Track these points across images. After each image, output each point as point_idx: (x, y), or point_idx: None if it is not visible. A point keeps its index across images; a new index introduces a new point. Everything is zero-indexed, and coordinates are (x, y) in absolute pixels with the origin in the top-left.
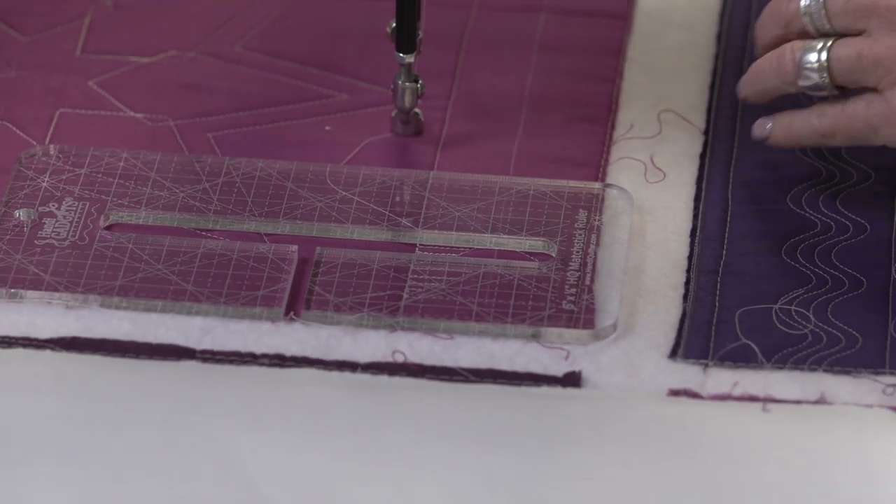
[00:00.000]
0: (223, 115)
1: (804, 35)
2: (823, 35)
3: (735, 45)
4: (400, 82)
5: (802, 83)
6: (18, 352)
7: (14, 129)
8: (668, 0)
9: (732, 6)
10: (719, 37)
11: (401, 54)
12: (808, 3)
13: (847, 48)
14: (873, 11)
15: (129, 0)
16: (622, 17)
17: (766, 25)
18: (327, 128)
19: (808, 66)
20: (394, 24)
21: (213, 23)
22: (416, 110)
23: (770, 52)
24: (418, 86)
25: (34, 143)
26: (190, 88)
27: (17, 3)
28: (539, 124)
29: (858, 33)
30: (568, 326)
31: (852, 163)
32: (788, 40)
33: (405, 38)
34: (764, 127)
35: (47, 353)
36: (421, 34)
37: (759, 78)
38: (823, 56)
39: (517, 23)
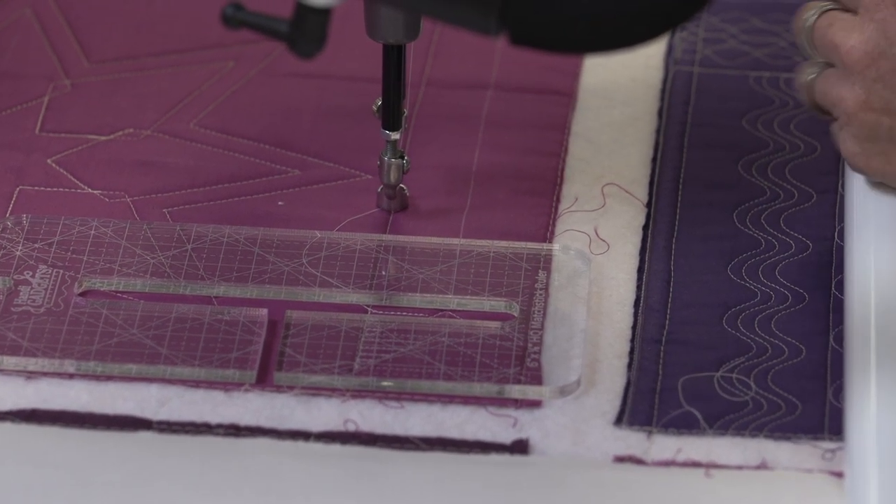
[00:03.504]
0: (178, 191)
1: None
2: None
3: (676, 120)
4: (386, 158)
5: None
6: None
7: None
8: (610, 77)
9: (673, 83)
10: (661, 112)
11: (387, 131)
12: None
13: None
14: None
15: (86, 80)
16: (567, 94)
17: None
18: (280, 203)
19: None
20: (380, 102)
21: (168, 102)
22: (402, 185)
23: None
24: (404, 161)
25: None
26: (146, 165)
27: None
28: (486, 198)
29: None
30: (532, 384)
31: (790, 234)
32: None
33: (392, 116)
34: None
35: (7, 424)
36: (406, 111)
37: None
38: None
39: (464, 100)
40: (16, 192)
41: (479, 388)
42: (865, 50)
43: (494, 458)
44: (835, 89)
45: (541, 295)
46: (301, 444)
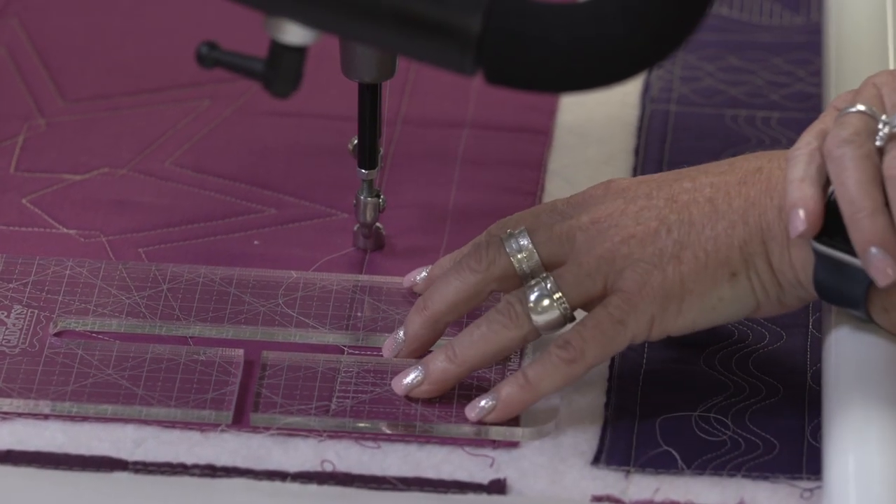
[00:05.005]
0: (154, 230)
1: (505, 283)
2: (530, 275)
3: (653, 158)
4: (362, 197)
5: (541, 320)
6: None
7: None
8: (587, 116)
9: (649, 121)
10: (637, 150)
11: (363, 170)
12: (515, 246)
13: (565, 268)
14: (576, 230)
15: (61, 119)
16: (543, 132)
17: (448, 290)
18: (256, 242)
19: (540, 302)
20: (355, 141)
21: (143, 141)
22: (378, 224)
23: (484, 318)
24: (380, 200)
25: None
26: (121, 205)
27: None
28: (463, 236)
29: (562, 262)
30: (510, 424)
31: None
32: (480, 297)
33: (367, 155)
34: (482, 406)
35: None
36: (382, 150)
37: (488, 342)
38: (548, 285)
39: (440, 138)
40: None
41: (455, 430)
42: None
43: (472, 497)
44: None
45: None
46: (278, 485)
